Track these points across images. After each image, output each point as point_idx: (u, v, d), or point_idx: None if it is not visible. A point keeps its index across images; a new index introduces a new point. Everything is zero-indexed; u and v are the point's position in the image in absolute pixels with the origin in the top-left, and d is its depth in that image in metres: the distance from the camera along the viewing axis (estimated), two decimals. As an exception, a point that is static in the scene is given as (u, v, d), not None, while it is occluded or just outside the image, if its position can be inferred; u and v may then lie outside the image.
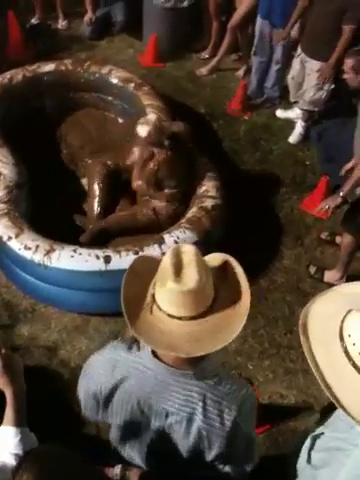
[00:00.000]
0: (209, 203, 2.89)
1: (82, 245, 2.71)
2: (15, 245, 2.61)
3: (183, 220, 2.81)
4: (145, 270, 1.22)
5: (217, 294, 1.16)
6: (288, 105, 4.02)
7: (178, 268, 1.11)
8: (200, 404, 1.22)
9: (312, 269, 3.04)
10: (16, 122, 3.33)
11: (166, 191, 2.96)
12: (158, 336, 1.12)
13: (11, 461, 1.10)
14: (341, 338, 1.10)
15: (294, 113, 3.95)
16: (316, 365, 1.10)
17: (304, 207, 3.42)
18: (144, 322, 1.14)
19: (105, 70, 3.61)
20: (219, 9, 4.24)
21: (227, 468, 1.36)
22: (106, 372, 1.29)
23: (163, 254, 1.34)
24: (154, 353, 1.22)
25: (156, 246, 2.61)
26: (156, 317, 1.14)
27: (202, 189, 2.98)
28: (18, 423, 1.16)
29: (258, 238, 3.14)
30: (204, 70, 4.42)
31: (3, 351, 1.19)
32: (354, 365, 1.07)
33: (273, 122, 4.03)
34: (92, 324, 2.75)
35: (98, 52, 4.59)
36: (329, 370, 1.09)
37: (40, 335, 2.69)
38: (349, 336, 1.09)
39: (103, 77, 3.60)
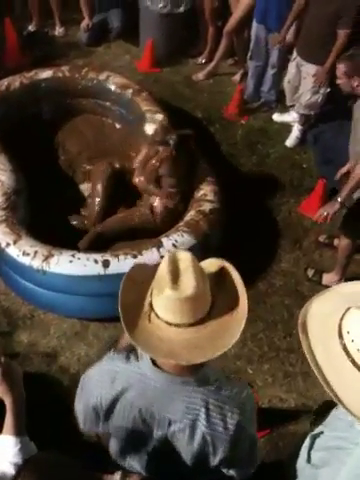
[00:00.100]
0: (207, 207, 2.91)
1: (80, 250, 2.72)
2: (13, 251, 2.62)
3: (181, 223, 2.82)
4: (142, 278, 1.22)
5: (214, 300, 1.17)
6: (285, 109, 4.04)
7: (175, 275, 1.11)
8: (203, 410, 1.22)
9: (310, 272, 3.05)
10: (14, 129, 3.33)
11: (165, 188, 2.98)
12: (157, 344, 1.12)
13: (10, 470, 1.10)
14: (340, 335, 1.11)
15: (291, 117, 3.97)
16: (316, 363, 1.11)
17: (302, 210, 3.43)
18: (142, 331, 1.14)
19: (103, 76, 3.63)
20: (215, 14, 4.26)
21: (231, 471, 1.36)
22: (105, 384, 1.28)
23: (162, 257, 1.34)
24: (154, 362, 1.22)
25: (154, 250, 2.62)
26: (154, 325, 1.14)
27: (200, 193, 3.00)
28: (18, 432, 1.16)
29: (256, 241, 3.15)
30: (201, 75, 4.44)
31: (2, 359, 1.19)
32: (353, 362, 1.09)
33: (270, 126, 4.05)
34: (91, 330, 2.75)
35: (95, 58, 4.60)
36: (328, 367, 1.10)
37: (39, 342, 2.69)
38: (348, 333, 1.10)
39: (101, 83, 3.61)
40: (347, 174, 2.73)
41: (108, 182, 3.06)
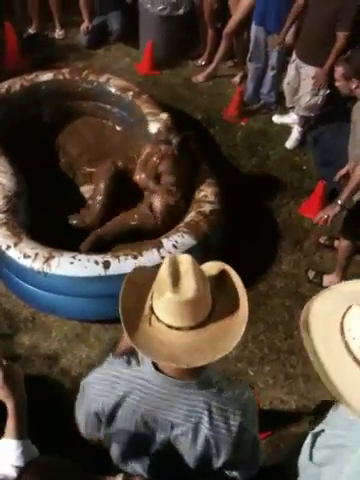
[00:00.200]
0: (207, 208, 2.92)
1: (81, 252, 2.73)
2: (14, 254, 2.62)
3: (181, 224, 2.83)
4: (142, 280, 1.22)
5: (215, 303, 1.17)
6: (284, 111, 4.04)
7: (175, 278, 1.11)
8: (206, 413, 1.22)
9: (311, 274, 3.05)
10: (14, 131, 3.34)
11: (164, 186, 2.99)
12: (158, 347, 1.12)
13: (12, 473, 1.10)
14: (342, 333, 1.12)
15: (290, 118, 3.98)
16: (318, 361, 1.11)
17: (302, 211, 3.43)
18: (143, 334, 1.14)
19: (103, 79, 3.64)
20: (214, 16, 4.27)
21: (233, 473, 1.36)
22: (107, 390, 1.28)
23: (162, 258, 1.35)
24: (156, 366, 1.22)
25: (155, 250, 2.62)
26: (155, 328, 1.14)
27: (201, 194, 3.01)
28: (19, 435, 1.16)
29: (256, 243, 3.16)
30: (200, 77, 4.45)
31: (4, 362, 1.19)
32: (355, 359, 1.09)
33: (270, 128, 4.06)
34: (93, 332, 2.76)
35: (95, 61, 4.61)
36: (330, 365, 1.10)
37: (41, 344, 2.70)
38: (349, 330, 1.11)
39: (101, 85, 3.62)
40: (346, 175, 2.74)
41: (111, 180, 3.07)
